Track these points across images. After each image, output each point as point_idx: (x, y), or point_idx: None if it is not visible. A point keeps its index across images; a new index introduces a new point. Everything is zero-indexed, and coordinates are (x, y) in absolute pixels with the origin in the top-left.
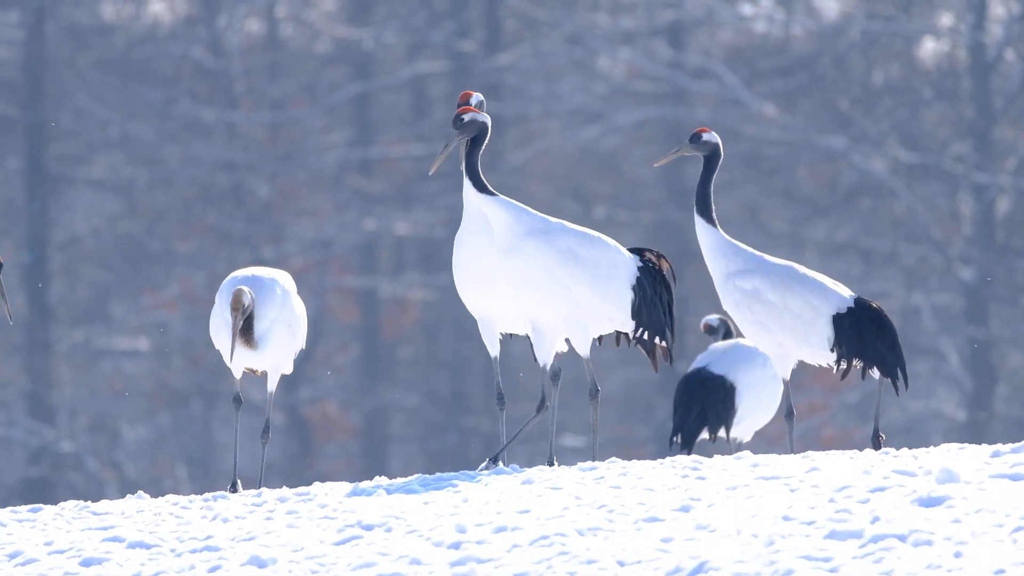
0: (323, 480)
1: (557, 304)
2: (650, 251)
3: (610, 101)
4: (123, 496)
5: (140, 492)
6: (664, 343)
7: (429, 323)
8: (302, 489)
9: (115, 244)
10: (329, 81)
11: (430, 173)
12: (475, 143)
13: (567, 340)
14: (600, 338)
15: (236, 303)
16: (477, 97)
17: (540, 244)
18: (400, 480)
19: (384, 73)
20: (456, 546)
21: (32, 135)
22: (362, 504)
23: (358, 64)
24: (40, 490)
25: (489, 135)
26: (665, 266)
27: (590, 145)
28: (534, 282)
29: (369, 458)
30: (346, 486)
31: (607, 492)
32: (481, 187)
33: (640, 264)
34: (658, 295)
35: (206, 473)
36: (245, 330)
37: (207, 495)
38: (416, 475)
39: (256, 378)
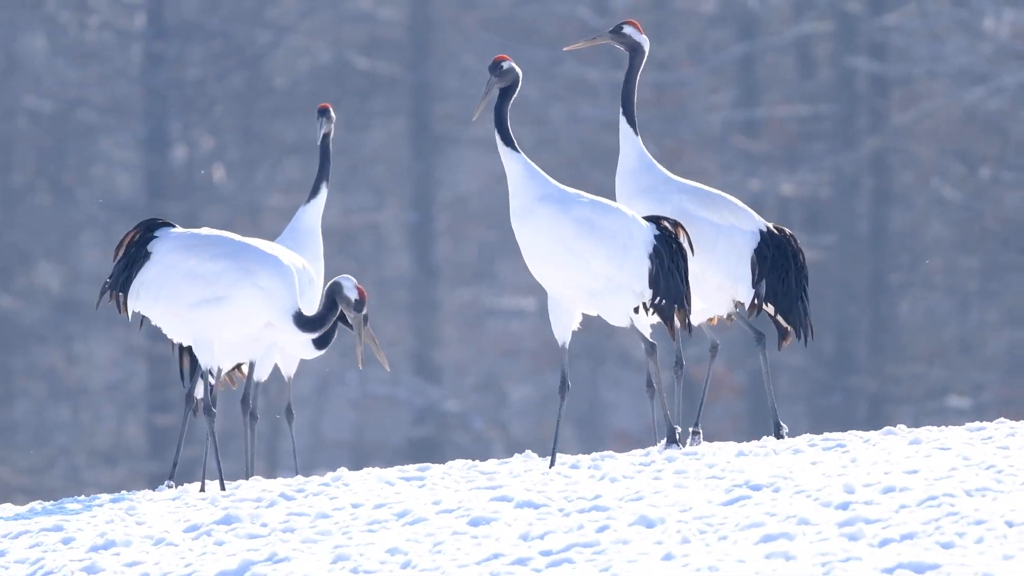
0: (710, 440)
1: (571, 275)
2: (666, 219)
3: (995, 62)
4: (510, 456)
5: (527, 452)
6: (682, 311)
7: (814, 283)
8: (690, 449)
9: (500, 204)
10: (714, 41)
11: (473, 119)
12: (504, 95)
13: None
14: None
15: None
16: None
17: (555, 212)
18: (788, 440)
19: (769, 34)
20: (844, 506)
21: (417, 95)
22: (750, 464)
23: (743, 24)
24: (426, 450)
25: (519, 89)
26: (682, 234)
27: (976, 106)
28: (547, 251)
29: (755, 418)
30: (734, 446)
31: (995, 453)
32: (507, 139)
33: (657, 232)
34: (675, 263)
35: (593, 433)
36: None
37: (594, 455)
38: (803, 435)
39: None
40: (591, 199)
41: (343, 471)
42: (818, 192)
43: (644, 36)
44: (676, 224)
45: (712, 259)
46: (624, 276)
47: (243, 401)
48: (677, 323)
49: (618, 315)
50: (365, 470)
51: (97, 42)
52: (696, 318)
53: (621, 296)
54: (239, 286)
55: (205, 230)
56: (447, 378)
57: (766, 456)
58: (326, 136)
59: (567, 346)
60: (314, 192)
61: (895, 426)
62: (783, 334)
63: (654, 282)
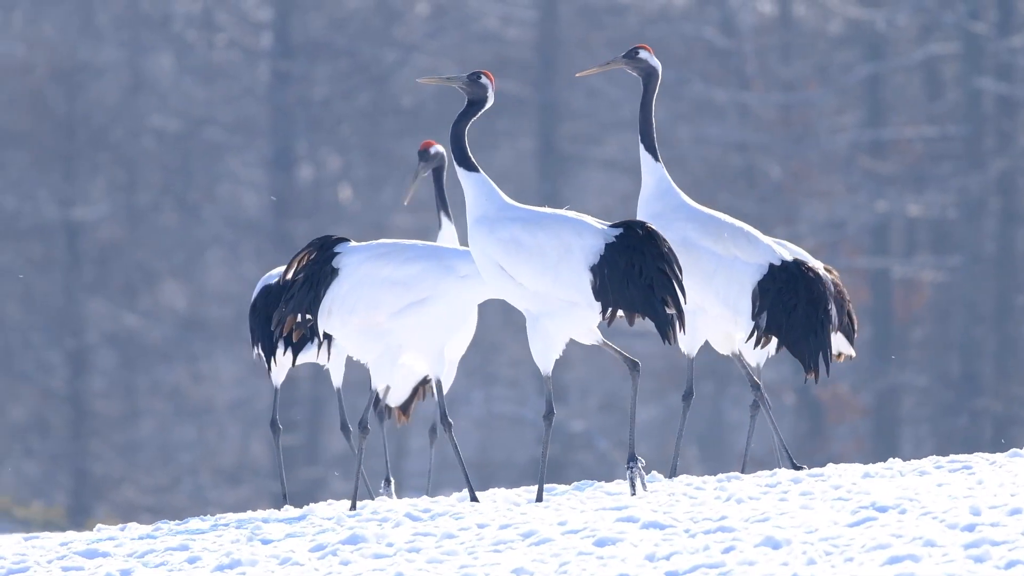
0: (835, 461)
1: (510, 295)
2: (639, 224)
3: None
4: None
5: (653, 473)
6: (652, 319)
7: (941, 304)
8: (816, 470)
9: None
10: (841, 62)
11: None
12: (470, 110)
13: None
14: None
15: None
16: (436, 148)
17: (484, 233)
18: (913, 462)
19: (896, 54)
20: (970, 528)
21: (544, 115)
22: (875, 485)
23: (870, 45)
24: (551, 470)
25: (487, 105)
26: (659, 240)
27: None
28: (486, 272)
29: (880, 439)
30: (859, 467)
31: None
32: (462, 159)
33: (612, 240)
34: (637, 269)
35: (718, 454)
36: None
37: (720, 476)
38: (929, 457)
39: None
40: (528, 216)
41: (468, 491)
42: (945, 213)
43: (657, 60)
44: (647, 229)
45: (710, 289)
46: (562, 291)
47: (442, 419)
48: (673, 332)
49: (580, 332)
50: (491, 490)
51: (224, 61)
52: (720, 347)
53: (574, 313)
54: (443, 284)
55: (387, 241)
56: (572, 398)
57: (892, 478)
58: (435, 171)
59: (547, 373)
60: (439, 224)
61: (1021, 448)
62: (806, 368)
63: (600, 293)
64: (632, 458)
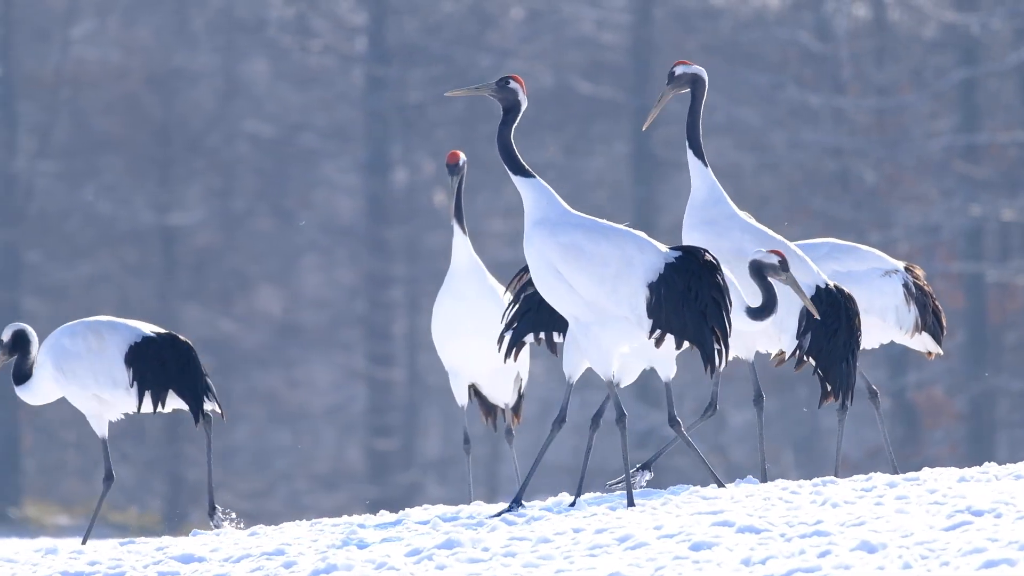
0: (931, 465)
1: (561, 300)
2: (699, 250)
3: None
4: (730, 480)
5: (749, 477)
6: (700, 347)
7: None
8: (911, 474)
9: None
10: (936, 66)
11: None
12: (507, 117)
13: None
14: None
15: None
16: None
17: (544, 235)
18: (1009, 466)
19: (991, 58)
20: None
21: (639, 120)
22: (971, 490)
23: (965, 49)
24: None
25: (523, 108)
26: (721, 270)
27: None
28: (540, 276)
29: (975, 443)
30: (955, 472)
31: None
32: (516, 166)
33: (671, 261)
34: (693, 294)
35: (812, 458)
36: None
37: (816, 480)
38: None
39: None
40: (592, 225)
41: (564, 495)
42: None
43: (696, 67)
44: (707, 257)
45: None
46: (616, 303)
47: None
48: (716, 360)
49: (627, 347)
50: (586, 494)
51: (319, 66)
52: (739, 351)
53: (622, 326)
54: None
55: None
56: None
57: (987, 482)
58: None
59: (572, 380)
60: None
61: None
62: (824, 392)
63: (653, 311)
64: (646, 466)
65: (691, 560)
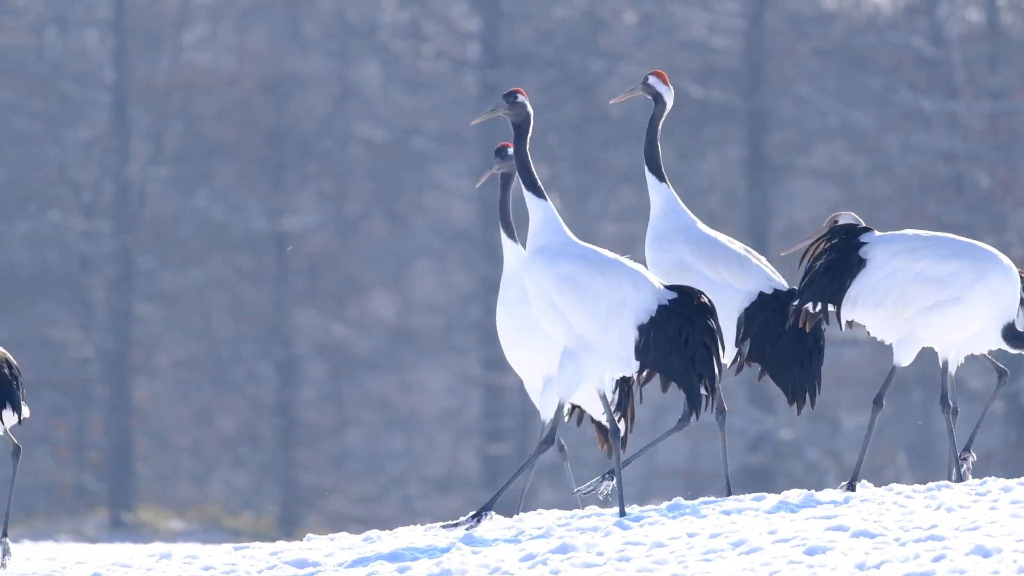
0: None
1: (556, 328)
2: (695, 293)
3: None
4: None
5: (863, 481)
6: (685, 392)
7: None
8: None
9: None
10: None
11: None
12: (520, 132)
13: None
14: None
15: None
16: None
17: (541, 264)
18: None
19: None
20: None
21: (753, 124)
22: None
23: None
24: (760, 478)
25: (531, 121)
26: (715, 314)
27: None
28: (535, 303)
29: None
30: None
31: None
32: (531, 185)
33: (667, 303)
34: (683, 339)
35: (927, 462)
36: None
37: (930, 484)
38: None
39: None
40: (592, 257)
41: (678, 500)
42: None
43: (668, 87)
44: (702, 300)
45: None
46: (605, 340)
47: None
48: (700, 410)
49: (609, 377)
50: (700, 499)
51: (431, 71)
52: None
53: (610, 361)
54: (975, 287)
55: (910, 231)
56: (780, 407)
57: None
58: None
59: (564, 404)
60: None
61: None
62: (789, 398)
63: (642, 353)
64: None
65: (806, 564)
